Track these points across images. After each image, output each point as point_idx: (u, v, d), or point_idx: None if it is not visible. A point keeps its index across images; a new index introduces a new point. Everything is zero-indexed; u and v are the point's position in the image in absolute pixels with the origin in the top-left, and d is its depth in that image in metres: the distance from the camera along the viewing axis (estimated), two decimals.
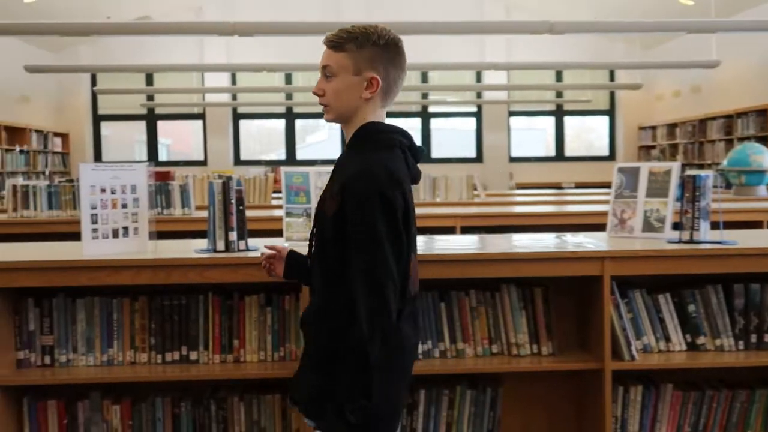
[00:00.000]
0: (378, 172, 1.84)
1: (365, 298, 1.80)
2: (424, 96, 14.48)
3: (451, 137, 15.01)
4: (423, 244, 2.90)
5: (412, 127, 14.57)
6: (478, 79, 14.13)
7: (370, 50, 1.92)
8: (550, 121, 14.92)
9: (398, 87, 2.00)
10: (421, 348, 2.69)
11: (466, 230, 5.04)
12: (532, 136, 15.29)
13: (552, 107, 14.80)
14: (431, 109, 14.67)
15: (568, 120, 14.91)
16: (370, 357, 1.78)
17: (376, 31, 1.93)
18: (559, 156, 14.76)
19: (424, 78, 14.14)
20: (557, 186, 12.63)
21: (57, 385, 2.68)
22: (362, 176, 1.84)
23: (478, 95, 14.30)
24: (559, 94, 14.33)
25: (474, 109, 14.64)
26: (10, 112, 12.24)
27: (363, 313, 1.79)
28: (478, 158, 14.52)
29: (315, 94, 1.99)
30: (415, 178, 2.00)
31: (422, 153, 2.06)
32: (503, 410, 2.79)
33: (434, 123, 14.73)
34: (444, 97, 14.82)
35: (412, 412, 2.73)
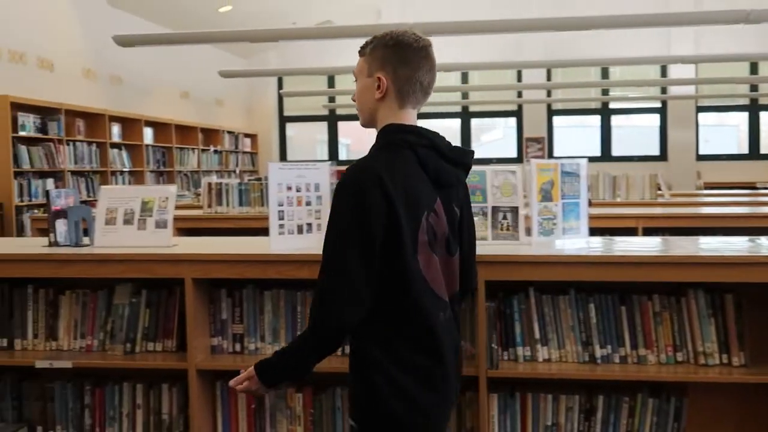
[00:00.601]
0: (359, 169, 1.91)
1: (319, 284, 1.92)
2: (605, 92, 14.00)
3: (633, 134, 14.41)
4: (601, 245, 2.81)
5: (591, 124, 14.16)
6: (663, 73, 13.47)
7: (380, 51, 1.99)
8: (744, 116, 13.92)
9: (414, 87, 1.99)
10: (599, 352, 2.62)
11: (648, 231, 4.85)
12: (722, 132, 14.35)
13: (746, 101, 13.80)
14: (612, 105, 14.16)
15: (764, 115, 13.84)
16: (306, 335, 1.95)
17: (391, 33, 1.99)
18: (754, 154, 13.74)
19: (605, 74, 13.67)
20: (751, 186, 11.76)
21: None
22: (345, 173, 1.92)
23: (663, 90, 13.63)
24: (754, 88, 13.34)
25: (658, 104, 13.97)
26: (206, 114, 13.17)
27: (314, 297, 1.93)
28: (662, 156, 13.84)
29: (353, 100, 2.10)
30: (438, 177, 1.97)
31: (460, 152, 2.04)
32: (688, 422, 2.65)
33: (615, 120, 14.20)
34: (626, 93, 14.25)
35: (590, 417, 2.66)
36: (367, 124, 2.08)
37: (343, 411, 2.77)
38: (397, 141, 1.96)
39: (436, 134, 2.01)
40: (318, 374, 2.80)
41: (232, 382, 2.09)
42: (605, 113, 14.18)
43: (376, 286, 1.90)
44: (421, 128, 2.00)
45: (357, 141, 15.76)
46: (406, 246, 1.89)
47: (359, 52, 2.05)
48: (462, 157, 2.05)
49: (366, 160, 1.95)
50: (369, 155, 1.98)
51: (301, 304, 2.78)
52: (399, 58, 1.97)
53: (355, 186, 1.88)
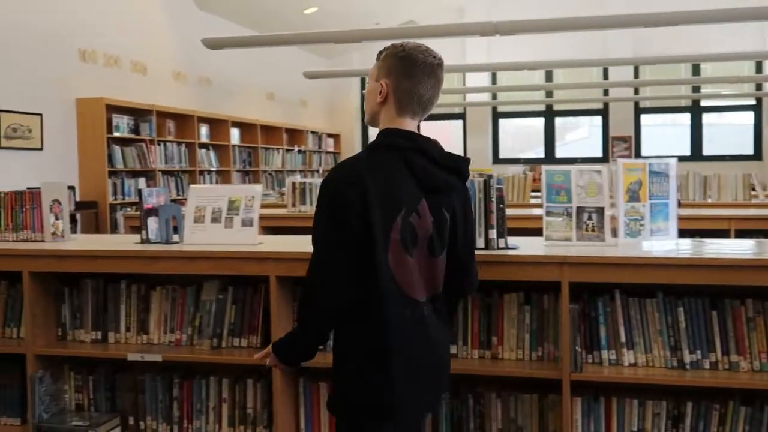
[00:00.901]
0: (340, 167, 2.05)
1: (307, 274, 2.04)
2: (696, 89, 13.56)
3: (725, 133, 13.91)
4: (691, 247, 2.73)
5: (681, 122, 13.73)
6: (759, 69, 12.94)
7: (389, 60, 2.11)
8: None
9: (412, 100, 2.09)
10: (688, 357, 2.54)
11: (741, 234, 4.67)
12: None
13: None
14: (703, 102, 13.69)
15: None
16: (299, 326, 2.10)
17: (405, 45, 2.11)
18: None
19: (696, 70, 13.23)
20: None
21: (328, 368, 2.87)
22: (329, 171, 2.05)
23: (758, 87, 13.09)
24: None
25: (752, 101, 13.44)
26: (291, 115, 13.39)
27: (303, 288, 2.10)
28: (756, 155, 13.31)
29: None
30: (426, 181, 2.05)
31: (454, 159, 2.13)
32: None
33: (706, 118, 13.74)
34: (718, 90, 13.76)
35: (678, 424, 2.58)
36: (369, 123, 2.21)
37: None
38: (387, 143, 2.07)
39: (428, 140, 2.11)
40: None
41: (257, 356, 2.31)
42: (696, 111, 13.74)
43: (364, 275, 1.98)
44: (414, 134, 2.09)
45: (438, 140, 15.71)
46: (377, 242, 1.97)
47: (377, 56, 2.17)
48: (456, 164, 2.14)
49: (350, 158, 2.09)
50: (356, 155, 2.11)
51: None
52: (404, 71, 2.08)
53: (333, 182, 2.01)
